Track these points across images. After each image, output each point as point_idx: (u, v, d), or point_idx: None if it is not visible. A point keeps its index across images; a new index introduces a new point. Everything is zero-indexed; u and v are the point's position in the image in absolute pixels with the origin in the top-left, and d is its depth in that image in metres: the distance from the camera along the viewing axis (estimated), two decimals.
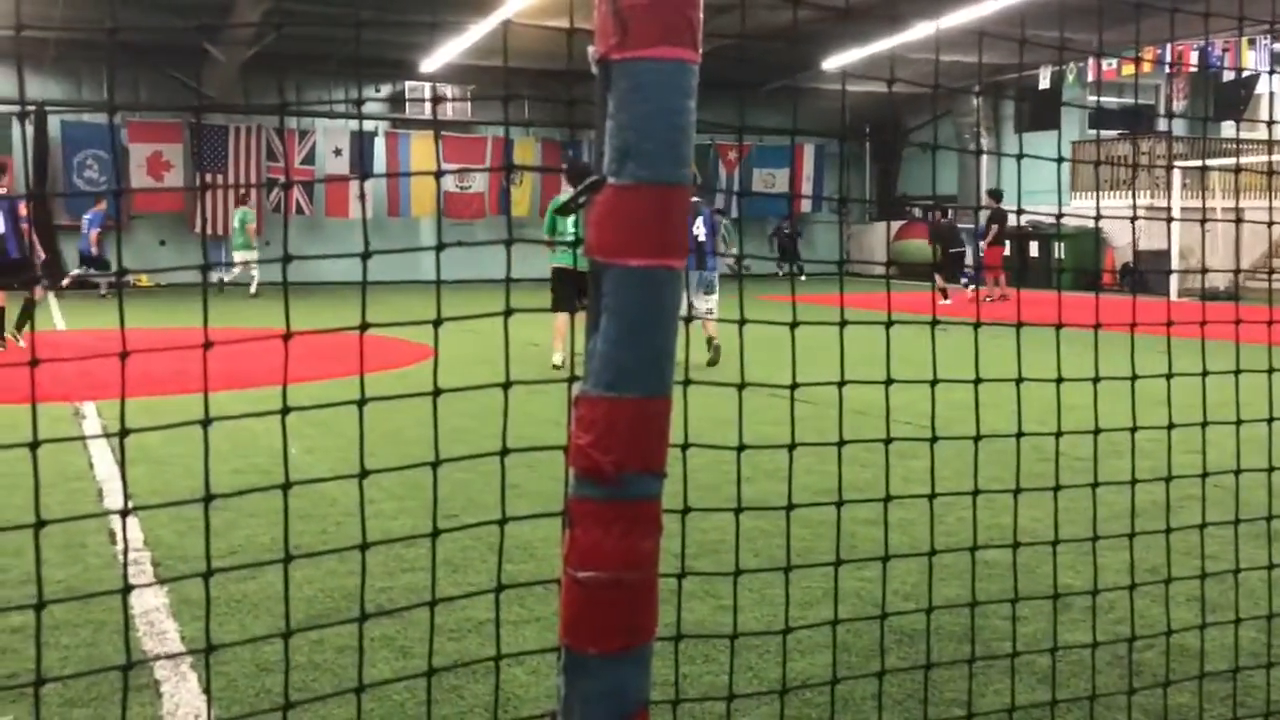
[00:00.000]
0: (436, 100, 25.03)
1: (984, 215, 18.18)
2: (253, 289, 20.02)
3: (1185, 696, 2.89)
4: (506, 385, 1.85)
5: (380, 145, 24.73)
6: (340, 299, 16.24)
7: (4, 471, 5.15)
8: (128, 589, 1.78)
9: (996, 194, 18.37)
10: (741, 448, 2.07)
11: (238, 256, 20.47)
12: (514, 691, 3.07)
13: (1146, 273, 18.74)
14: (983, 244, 18.66)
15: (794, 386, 2.08)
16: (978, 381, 2.38)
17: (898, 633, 3.44)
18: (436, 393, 1.82)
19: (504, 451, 1.85)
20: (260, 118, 23.37)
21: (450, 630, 3.50)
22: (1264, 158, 18.43)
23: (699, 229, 10.49)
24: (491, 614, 3.47)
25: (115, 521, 4.71)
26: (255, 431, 6.28)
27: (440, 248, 1.81)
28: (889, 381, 2.22)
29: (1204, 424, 2.64)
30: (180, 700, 2.98)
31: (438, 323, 1.82)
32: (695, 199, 13.54)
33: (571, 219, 10.42)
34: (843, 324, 2.16)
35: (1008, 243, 20.37)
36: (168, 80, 22.24)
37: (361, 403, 1.80)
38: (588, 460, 1.55)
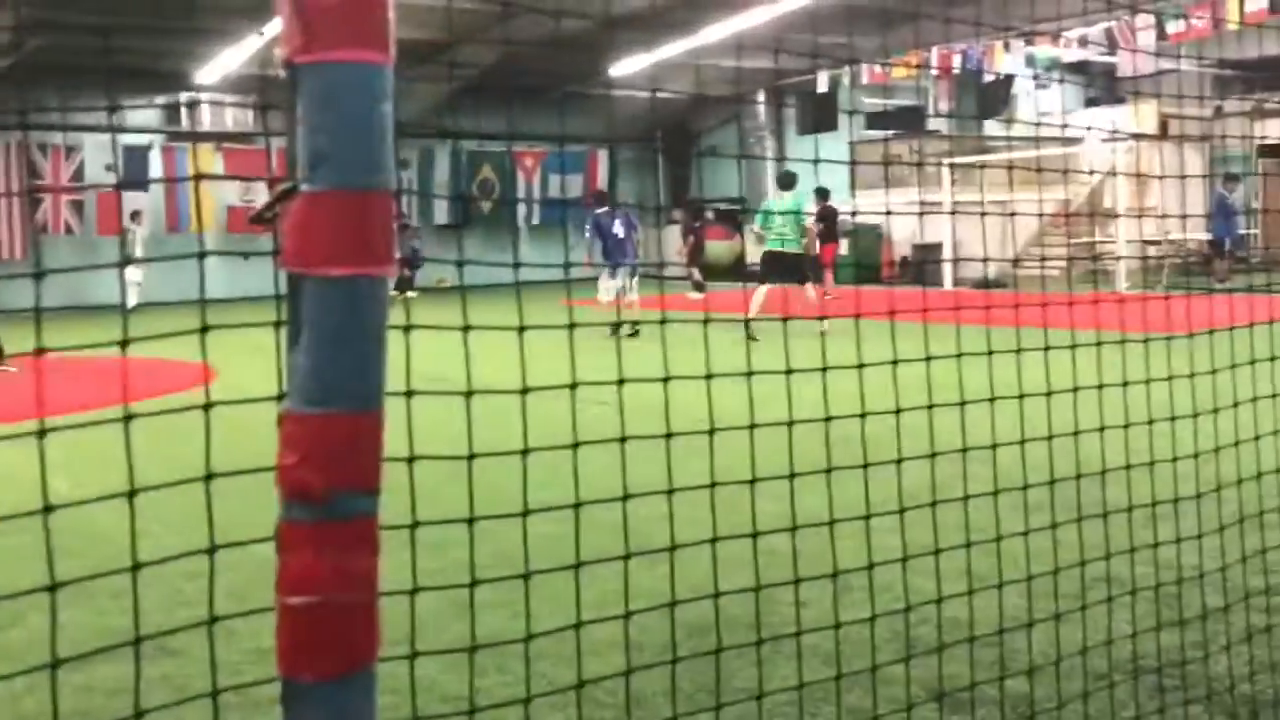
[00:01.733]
0: (192, 105, 24.02)
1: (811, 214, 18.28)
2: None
3: (957, 665, 3.03)
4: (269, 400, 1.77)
5: (155, 159, 23.54)
6: (111, 321, 15.34)
7: None
8: None
9: (823, 192, 18.15)
10: (471, 457, 2.05)
11: None
12: None
13: (925, 264, 19.77)
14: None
15: (574, 386, 2.08)
16: (750, 375, 2.44)
17: (689, 626, 3.49)
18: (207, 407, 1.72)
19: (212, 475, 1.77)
20: (21, 133, 21.89)
21: (234, 663, 3.34)
22: (1029, 153, 19.76)
23: (619, 228, 14.25)
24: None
25: None
26: (15, 468, 5.85)
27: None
28: (666, 380, 2.25)
29: (961, 404, 2.79)
30: None
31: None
32: (606, 207, 15.01)
33: (780, 214, 14.13)
34: (664, 322, 2.18)
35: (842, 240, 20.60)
36: None
37: (127, 419, 1.68)
38: (295, 481, 1.49)
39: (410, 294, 21.36)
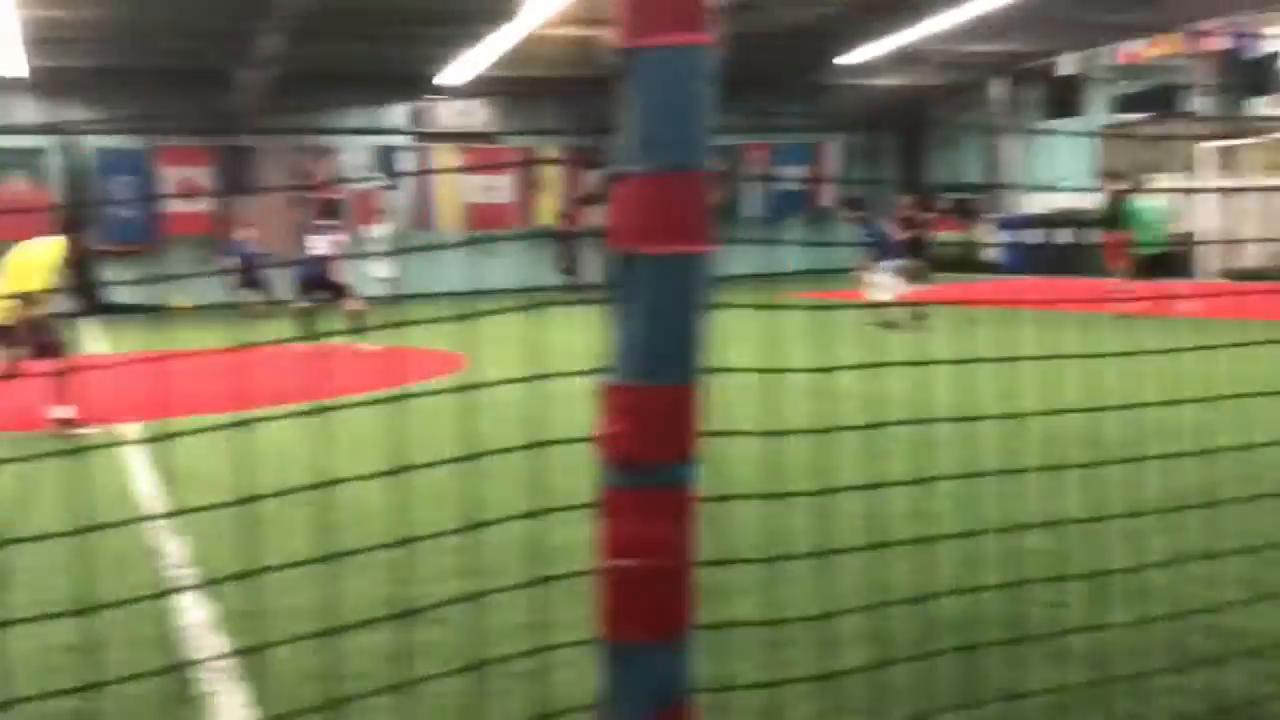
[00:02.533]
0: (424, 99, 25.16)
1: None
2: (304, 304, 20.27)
3: (1235, 676, 2.86)
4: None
5: (404, 160, 24.90)
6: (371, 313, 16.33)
7: (47, 495, 5.23)
8: (161, 595, 1.81)
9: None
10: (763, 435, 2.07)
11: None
12: (560, 693, 3.09)
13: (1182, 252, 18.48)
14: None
15: (770, 372, 2.08)
16: (961, 363, 2.38)
17: (942, 622, 3.42)
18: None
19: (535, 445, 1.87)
20: (287, 138, 23.60)
21: (492, 634, 3.52)
22: None
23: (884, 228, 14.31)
24: (533, 618, 3.49)
25: (160, 539, 4.78)
26: (295, 448, 6.34)
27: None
28: (871, 366, 2.22)
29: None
30: (228, 710, 3.02)
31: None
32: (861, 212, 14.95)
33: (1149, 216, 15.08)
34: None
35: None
36: (196, 105, 22.51)
37: (400, 399, 1.81)
38: (619, 449, 1.56)
39: None
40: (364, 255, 20.52)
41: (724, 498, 1.97)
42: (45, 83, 21.31)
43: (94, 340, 15.98)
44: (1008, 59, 24.09)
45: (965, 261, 24.47)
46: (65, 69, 20.88)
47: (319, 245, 13.55)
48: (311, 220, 15.26)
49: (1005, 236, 24.97)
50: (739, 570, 3.06)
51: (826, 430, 2.19)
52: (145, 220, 22.80)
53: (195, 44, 19.95)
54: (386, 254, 20.31)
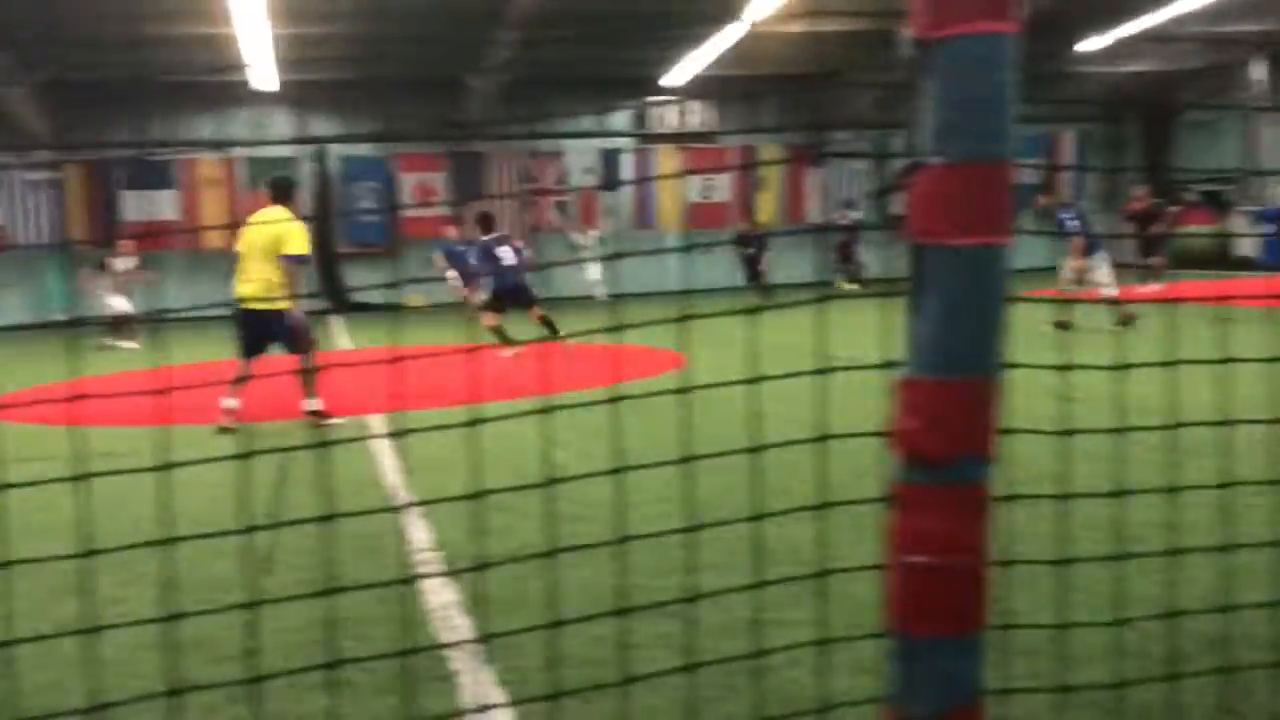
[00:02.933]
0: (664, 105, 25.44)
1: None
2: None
3: None
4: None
5: (627, 161, 25.39)
6: (586, 311, 16.74)
7: (300, 480, 5.62)
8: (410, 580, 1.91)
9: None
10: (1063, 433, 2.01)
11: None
12: (792, 692, 3.09)
13: None
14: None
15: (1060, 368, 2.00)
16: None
17: (1197, 638, 3.23)
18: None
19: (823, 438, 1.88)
20: (515, 142, 24.50)
21: (723, 628, 3.55)
22: None
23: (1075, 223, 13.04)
24: (762, 614, 3.50)
25: (407, 524, 5.06)
26: (527, 439, 6.59)
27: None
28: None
29: None
30: (476, 689, 3.17)
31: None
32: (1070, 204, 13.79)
33: None
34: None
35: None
36: (430, 112, 23.68)
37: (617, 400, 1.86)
38: (915, 444, 1.55)
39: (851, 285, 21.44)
40: (571, 262, 20.88)
41: (1011, 497, 1.93)
42: (295, 96, 22.88)
43: (339, 337, 17.04)
44: (1267, 37, 22.36)
45: (1216, 257, 22.88)
46: (313, 82, 22.34)
47: (508, 255, 13.87)
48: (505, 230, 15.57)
49: (1267, 229, 23.24)
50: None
51: (1121, 430, 2.10)
52: (384, 223, 24.13)
53: (431, 53, 20.96)
54: (602, 258, 20.64)
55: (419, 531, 4.97)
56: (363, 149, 23.95)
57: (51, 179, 22.64)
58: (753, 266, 20.85)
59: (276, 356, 8.34)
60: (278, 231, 8.28)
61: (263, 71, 20.13)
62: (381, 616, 3.79)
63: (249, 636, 3.66)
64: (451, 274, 17.01)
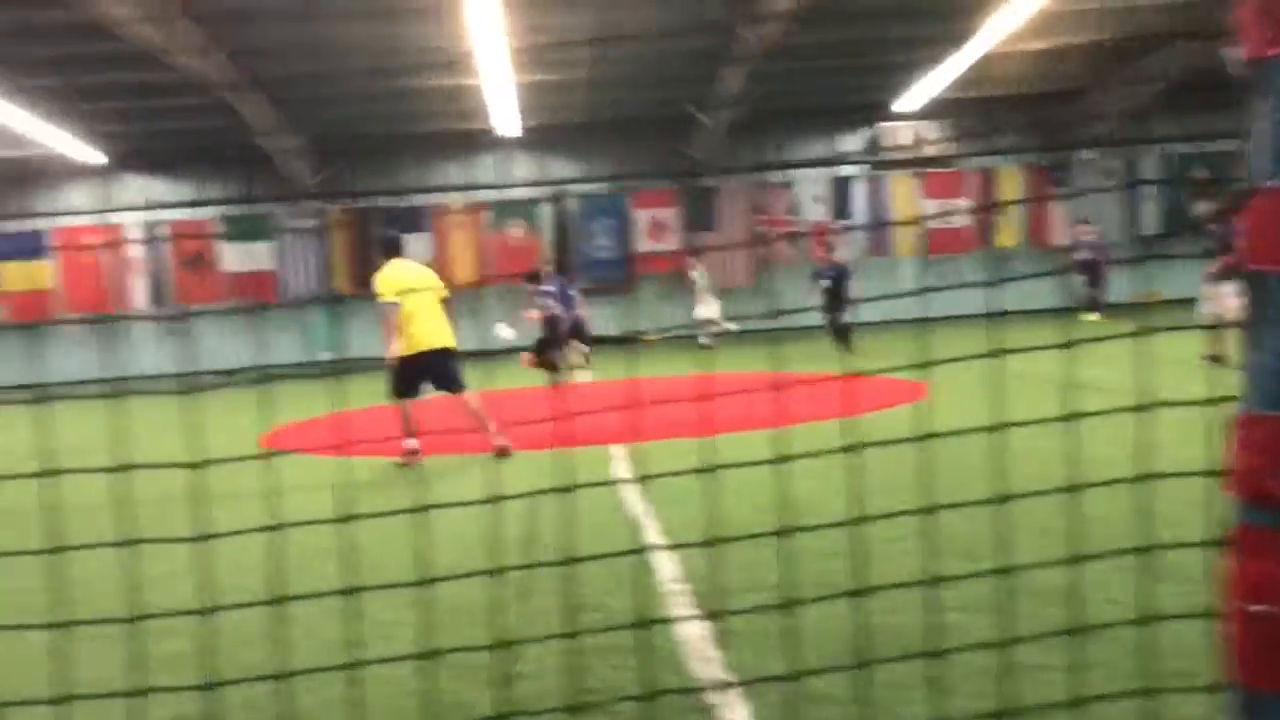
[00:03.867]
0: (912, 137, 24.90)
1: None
2: (704, 340, 20.26)
3: None
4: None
5: (859, 188, 25.04)
6: (813, 343, 16.53)
7: (548, 511, 5.73)
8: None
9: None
10: None
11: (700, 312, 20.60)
12: None
13: None
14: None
15: None
16: None
17: None
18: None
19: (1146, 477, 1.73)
20: (746, 175, 24.60)
21: (991, 672, 3.35)
22: None
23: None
24: (1045, 659, 3.29)
25: (654, 556, 5.07)
26: (764, 469, 6.50)
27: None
28: None
29: None
30: None
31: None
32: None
33: None
34: None
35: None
36: (662, 150, 24.13)
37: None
38: (1258, 484, 1.39)
39: (1094, 316, 20.17)
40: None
41: None
42: (535, 140, 23.81)
43: (583, 371, 17.46)
44: None
45: None
46: (551, 126, 23.19)
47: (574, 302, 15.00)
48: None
49: None
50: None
51: None
52: (621, 260, 24.67)
53: (661, 93, 21.36)
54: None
55: (666, 563, 4.97)
56: (599, 188, 24.63)
57: (317, 227, 24.39)
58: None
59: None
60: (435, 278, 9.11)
61: (506, 118, 21.04)
62: (630, 647, 3.79)
63: (515, 662, 3.74)
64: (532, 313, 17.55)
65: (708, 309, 20.39)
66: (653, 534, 5.65)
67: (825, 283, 17.18)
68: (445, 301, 8.99)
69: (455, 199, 24.38)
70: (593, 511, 5.87)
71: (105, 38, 14.74)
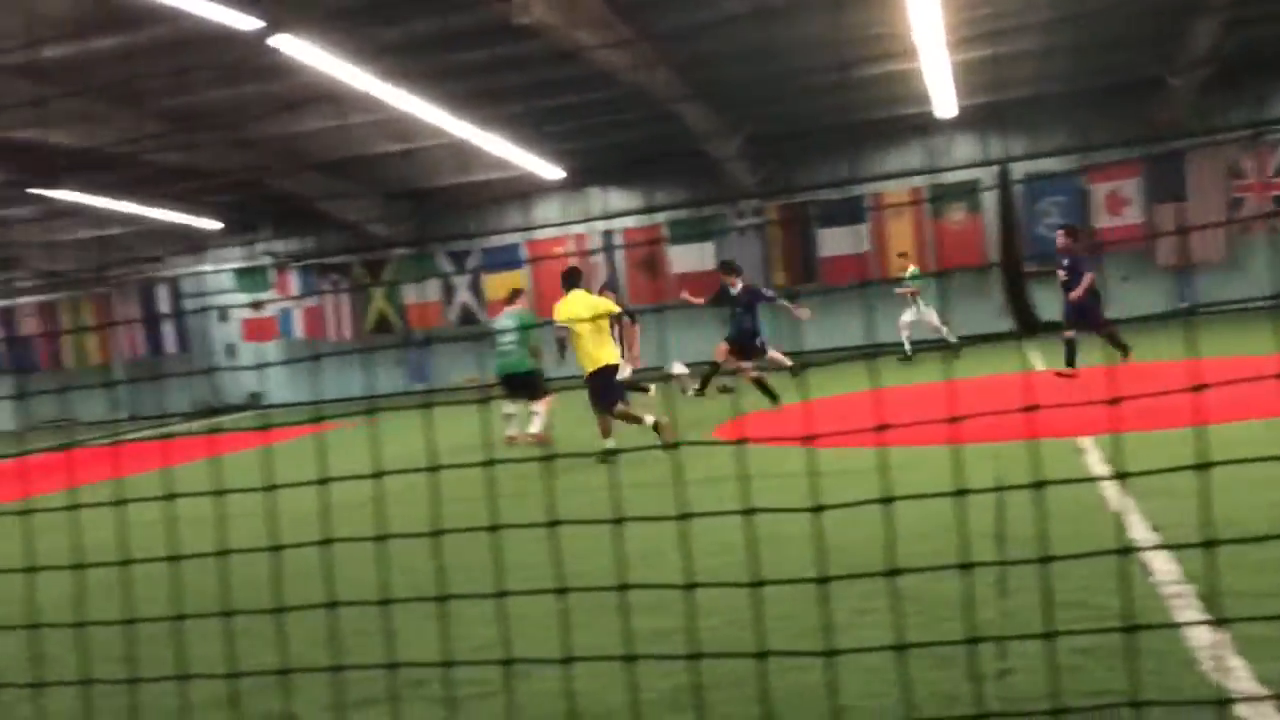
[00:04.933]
0: None
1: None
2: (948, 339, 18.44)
3: None
4: None
5: None
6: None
7: (1018, 505, 5.38)
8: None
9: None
10: None
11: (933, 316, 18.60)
12: None
13: None
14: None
15: None
16: None
17: None
18: None
19: None
20: (1220, 136, 22.12)
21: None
22: None
23: None
24: None
25: (1146, 555, 4.62)
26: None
27: None
28: None
29: None
30: None
31: None
32: None
33: None
34: None
35: None
36: (1121, 119, 22.29)
37: None
38: None
39: None
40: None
41: None
42: (975, 119, 22.87)
43: (1032, 358, 16.56)
44: None
45: None
46: (992, 104, 22.15)
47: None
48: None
49: None
50: None
51: None
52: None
53: (1119, 58, 19.71)
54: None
55: (1160, 563, 4.50)
56: (1048, 164, 23.19)
57: (757, 224, 25.03)
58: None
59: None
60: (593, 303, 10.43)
61: (944, 99, 20.41)
62: (1122, 649, 3.44)
63: (999, 657, 3.54)
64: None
65: (923, 314, 18.56)
66: (1140, 530, 5.16)
67: None
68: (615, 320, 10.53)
69: (891, 187, 24.03)
70: (1067, 504, 5.46)
71: (567, 63, 15.99)
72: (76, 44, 13.73)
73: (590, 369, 10.02)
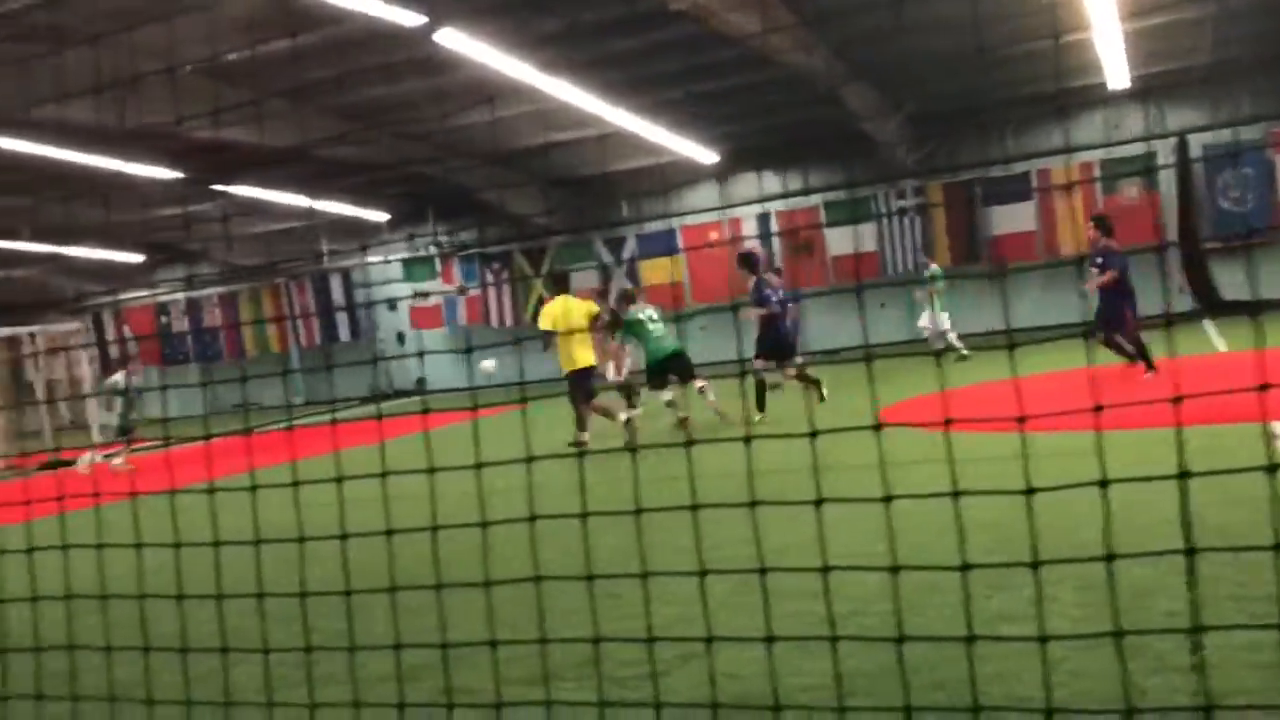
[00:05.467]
0: None
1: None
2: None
3: None
4: None
5: None
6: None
7: (1206, 491, 5.10)
8: None
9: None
10: None
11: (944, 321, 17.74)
12: None
13: None
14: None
15: None
16: None
17: None
18: None
19: None
20: None
21: None
22: None
23: None
24: None
25: None
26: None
27: None
28: None
29: None
30: None
31: None
32: None
33: None
34: None
35: None
36: None
37: None
38: None
39: None
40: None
41: None
42: (1149, 90, 21.74)
43: (1213, 338, 15.73)
44: None
45: None
46: (1168, 73, 21.03)
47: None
48: None
49: None
50: None
51: None
52: (1260, 210, 21.73)
53: None
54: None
55: None
56: (1231, 134, 21.87)
57: (918, 204, 24.41)
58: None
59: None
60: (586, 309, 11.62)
61: (1116, 70, 19.48)
62: None
63: (1191, 650, 3.37)
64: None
65: (936, 317, 17.63)
66: None
67: None
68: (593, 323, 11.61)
69: (1058, 162, 23.09)
70: (1255, 492, 5.13)
71: (721, 46, 15.89)
72: (256, 44, 14.37)
73: (569, 369, 11.25)
